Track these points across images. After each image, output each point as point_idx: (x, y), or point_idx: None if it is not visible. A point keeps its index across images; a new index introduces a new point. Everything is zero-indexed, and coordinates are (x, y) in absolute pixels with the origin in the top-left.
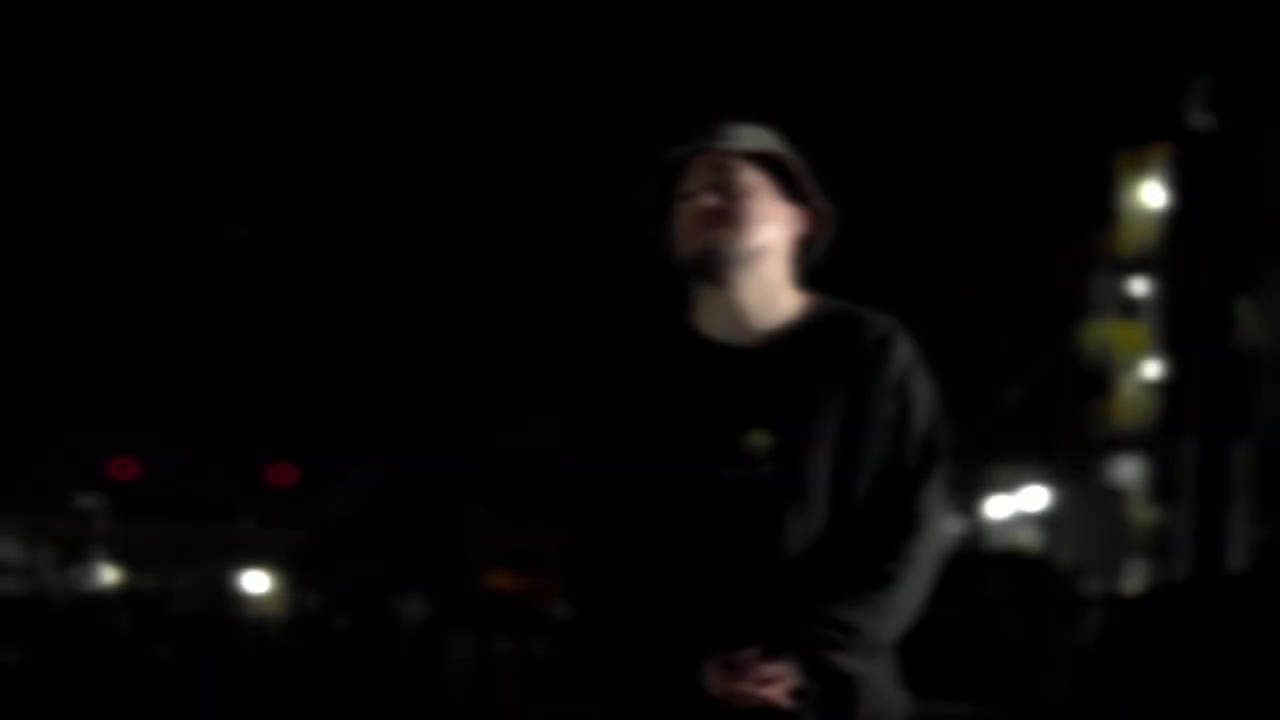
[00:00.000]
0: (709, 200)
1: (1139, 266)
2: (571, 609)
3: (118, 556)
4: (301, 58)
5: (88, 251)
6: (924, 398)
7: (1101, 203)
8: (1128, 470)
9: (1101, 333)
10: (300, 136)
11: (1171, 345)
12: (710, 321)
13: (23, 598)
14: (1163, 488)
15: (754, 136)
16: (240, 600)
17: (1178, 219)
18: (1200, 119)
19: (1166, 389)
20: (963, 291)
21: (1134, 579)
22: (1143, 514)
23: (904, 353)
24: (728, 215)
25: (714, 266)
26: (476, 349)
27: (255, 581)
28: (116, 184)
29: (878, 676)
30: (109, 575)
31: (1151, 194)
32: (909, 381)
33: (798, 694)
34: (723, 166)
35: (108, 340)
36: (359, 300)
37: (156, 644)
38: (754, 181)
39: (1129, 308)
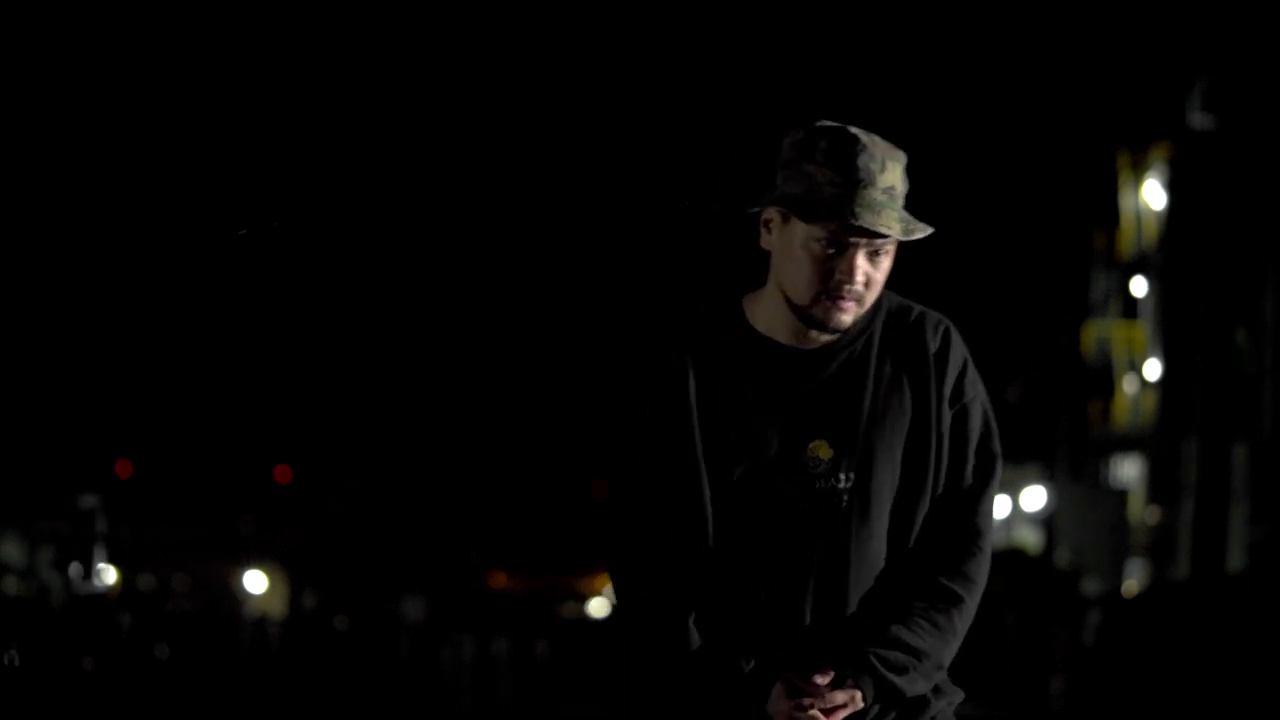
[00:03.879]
0: (857, 283)
1: (1139, 266)
2: (628, 623)
3: (118, 556)
4: (304, 59)
5: (88, 251)
6: (979, 402)
7: (1101, 203)
8: (1128, 470)
9: (1101, 333)
10: (302, 138)
11: (1171, 345)
12: (772, 322)
13: (22, 598)
14: (1163, 488)
15: (903, 189)
16: (240, 600)
17: (1177, 219)
18: (1200, 119)
19: (1166, 389)
20: (962, 291)
21: (1134, 579)
22: (1143, 514)
23: (960, 355)
24: (863, 301)
25: (829, 331)
26: (478, 349)
27: (255, 581)
28: (118, 183)
29: (935, 695)
30: (109, 575)
31: (1151, 194)
32: (965, 387)
33: (863, 718)
34: (877, 253)
35: (108, 340)
36: (359, 300)
37: (156, 644)
38: (894, 251)
39: (1129, 308)
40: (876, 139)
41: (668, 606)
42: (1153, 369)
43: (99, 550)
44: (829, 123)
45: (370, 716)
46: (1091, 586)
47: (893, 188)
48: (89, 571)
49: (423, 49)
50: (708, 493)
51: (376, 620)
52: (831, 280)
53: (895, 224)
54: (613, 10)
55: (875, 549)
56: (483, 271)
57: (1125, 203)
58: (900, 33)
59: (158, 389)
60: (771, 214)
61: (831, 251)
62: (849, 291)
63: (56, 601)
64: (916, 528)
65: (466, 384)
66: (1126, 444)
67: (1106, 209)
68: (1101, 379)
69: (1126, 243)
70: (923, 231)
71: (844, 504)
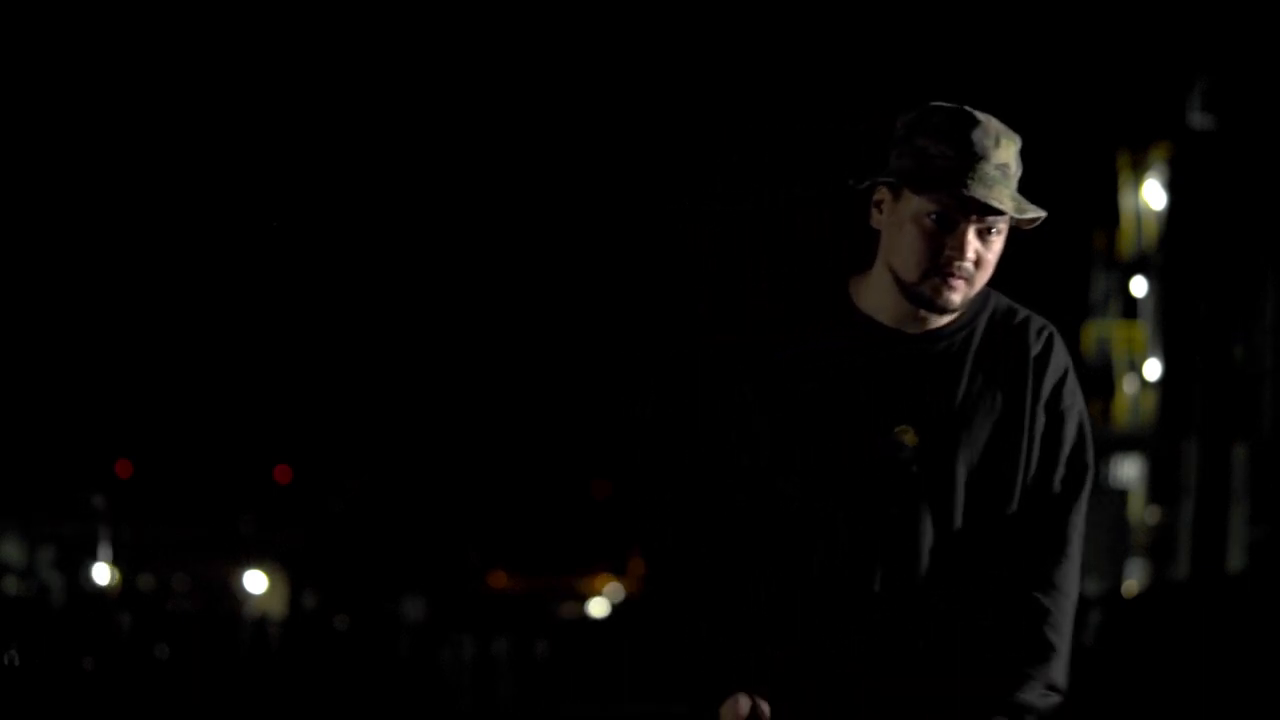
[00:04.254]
0: (967, 260)
1: (1139, 266)
2: (670, 617)
3: (118, 556)
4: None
5: (89, 250)
6: (1077, 411)
7: (1101, 203)
8: (1128, 470)
9: (1101, 333)
10: (303, 141)
11: (1171, 346)
12: (877, 303)
13: (23, 598)
14: (1163, 488)
15: (1018, 171)
16: (240, 600)
17: (1177, 219)
18: (1200, 119)
19: (1166, 389)
20: None
21: (1134, 579)
22: (1143, 514)
23: (1061, 363)
24: (973, 281)
25: (937, 310)
26: (478, 350)
27: (255, 581)
28: (120, 185)
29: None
30: (109, 575)
31: (1151, 194)
32: (1064, 394)
33: None
34: (988, 231)
35: (108, 341)
36: (359, 301)
37: (156, 644)
38: (1005, 233)
39: (1129, 308)
40: (992, 118)
41: (713, 598)
42: (1153, 369)
43: (99, 550)
44: (943, 103)
45: (370, 716)
46: (1091, 586)
47: (1006, 165)
48: (89, 572)
49: (426, 52)
50: (780, 469)
51: (376, 620)
52: (941, 256)
53: (1008, 200)
54: (617, 13)
55: (946, 544)
56: (483, 273)
57: (1125, 203)
58: (901, 33)
59: (158, 389)
60: (882, 194)
61: (942, 226)
62: (959, 269)
63: (56, 602)
64: (994, 531)
65: (467, 385)
66: (1126, 444)
67: (1106, 209)
68: (1101, 379)
69: (1126, 243)
70: (1036, 213)
71: (921, 494)
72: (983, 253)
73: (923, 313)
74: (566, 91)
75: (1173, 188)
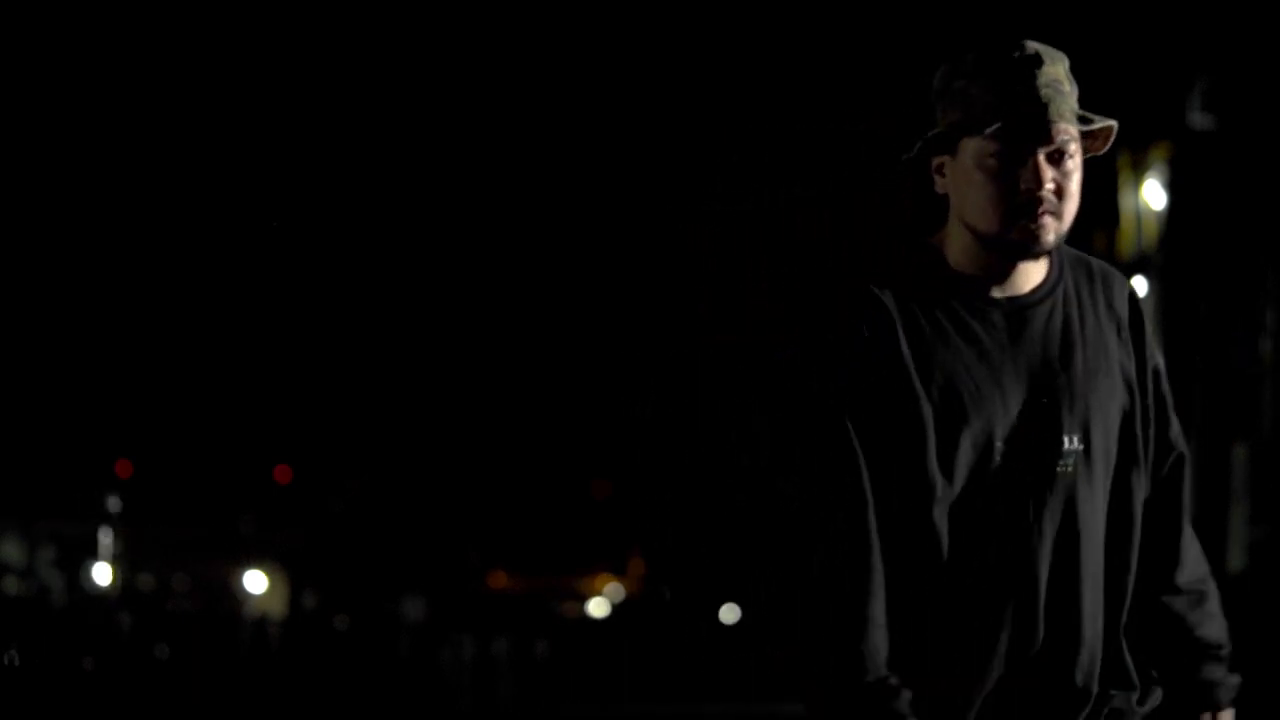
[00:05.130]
0: (1046, 190)
1: (1139, 266)
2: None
3: (118, 556)
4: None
5: (90, 250)
6: (1162, 365)
7: (1101, 203)
8: None
9: None
10: (303, 141)
11: (1171, 346)
12: (969, 261)
13: (23, 598)
14: None
15: (1072, 89)
16: (240, 600)
17: (1177, 219)
18: (1200, 119)
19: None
20: None
21: None
22: None
23: (1144, 316)
24: (1060, 214)
25: (1032, 255)
26: (476, 352)
27: (255, 581)
28: (120, 185)
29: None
30: (109, 575)
31: (1152, 194)
32: (1155, 349)
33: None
34: (1060, 150)
35: (109, 341)
36: (359, 300)
37: (156, 644)
38: (1079, 158)
39: None
40: (1030, 41)
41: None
42: None
43: (99, 550)
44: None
45: (370, 716)
46: None
47: (1058, 81)
48: (89, 572)
49: (426, 52)
50: (909, 464)
51: (376, 620)
52: (1018, 194)
53: (1067, 113)
54: (617, 14)
55: (1099, 526)
56: (483, 274)
57: (1125, 203)
58: (899, 34)
59: (158, 389)
60: (940, 156)
61: (1009, 163)
62: (1042, 201)
63: (57, 602)
64: (1136, 506)
65: (466, 384)
66: None
67: (1106, 209)
68: None
69: (1126, 243)
70: (1103, 122)
71: (1070, 470)
72: (1061, 180)
73: (1016, 267)
74: (567, 92)
75: (1173, 188)
